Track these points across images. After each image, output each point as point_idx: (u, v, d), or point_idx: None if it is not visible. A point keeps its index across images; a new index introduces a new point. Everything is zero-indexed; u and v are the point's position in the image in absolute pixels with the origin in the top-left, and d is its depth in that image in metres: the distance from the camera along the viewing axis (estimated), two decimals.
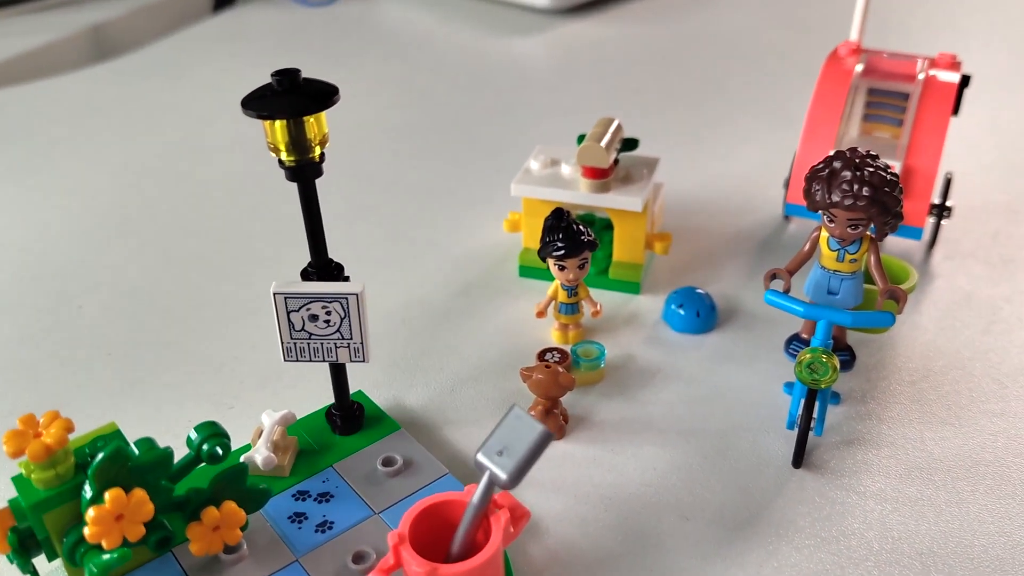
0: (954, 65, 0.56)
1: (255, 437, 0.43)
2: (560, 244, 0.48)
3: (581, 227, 0.48)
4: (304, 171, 0.37)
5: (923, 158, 0.52)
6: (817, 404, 0.43)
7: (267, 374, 0.49)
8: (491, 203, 0.65)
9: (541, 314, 0.51)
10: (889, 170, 0.40)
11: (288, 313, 0.39)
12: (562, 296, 0.50)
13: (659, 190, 0.58)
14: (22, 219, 0.65)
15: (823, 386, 0.41)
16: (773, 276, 0.44)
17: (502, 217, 0.62)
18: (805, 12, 1.01)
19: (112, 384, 0.49)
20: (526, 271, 0.56)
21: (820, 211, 0.41)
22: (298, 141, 0.36)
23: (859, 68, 0.56)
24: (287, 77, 0.35)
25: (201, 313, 0.55)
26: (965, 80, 0.56)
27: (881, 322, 0.40)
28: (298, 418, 0.45)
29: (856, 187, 0.39)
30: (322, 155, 0.37)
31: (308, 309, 0.39)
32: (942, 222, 0.57)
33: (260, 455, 0.41)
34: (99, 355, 0.52)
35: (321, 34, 0.97)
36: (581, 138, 0.54)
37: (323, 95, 0.36)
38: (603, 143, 0.51)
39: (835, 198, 0.40)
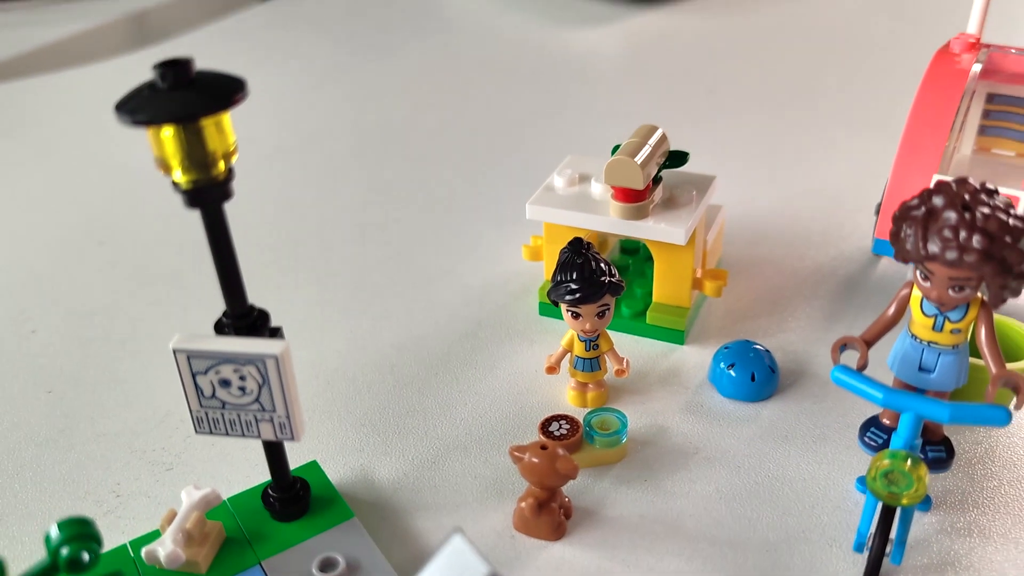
0: None
1: (165, 523, 0.34)
2: (574, 286, 0.38)
3: (603, 264, 0.38)
4: (205, 194, 0.28)
5: None
6: (896, 523, 0.32)
7: None
8: (520, 223, 0.55)
9: (552, 370, 0.41)
10: (1013, 210, 0.29)
11: (194, 376, 0.30)
12: (579, 349, 0.40)
13: (716, 215, 0.47)
14: (3, 223, 0.58)
15: (904, 503, 0.30)
16: (844, 347, 0.33)
17: (524, 240, 0.52)
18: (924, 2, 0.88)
19: (41, 431, 0.42)
20: (547, 309, 0.47)
21: (913, 264, 0.30)
22: (195, 154, 0.27)
23: (976, 68, 0.44)
24: (174, 70, 0.26)
25: (159, 345, 0.47)
26: None
27: (991, 420, 0.29)
28: (234, 493, 0.36)
29: (964, 236, 0.28)
30: (229, 171, 0.28)
31: (218, 372, 0.30)
32: None
33: (164, 549, 0.32)
34: (38, 392, 0.44)
35: (374, 21, 0.89)
36: (616, 148, 0.44)
37: (223, 91, 0.27)
38: (638, 158, 0.40)
39: (933, 249, 0.28)
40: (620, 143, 0.43)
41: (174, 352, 0.30)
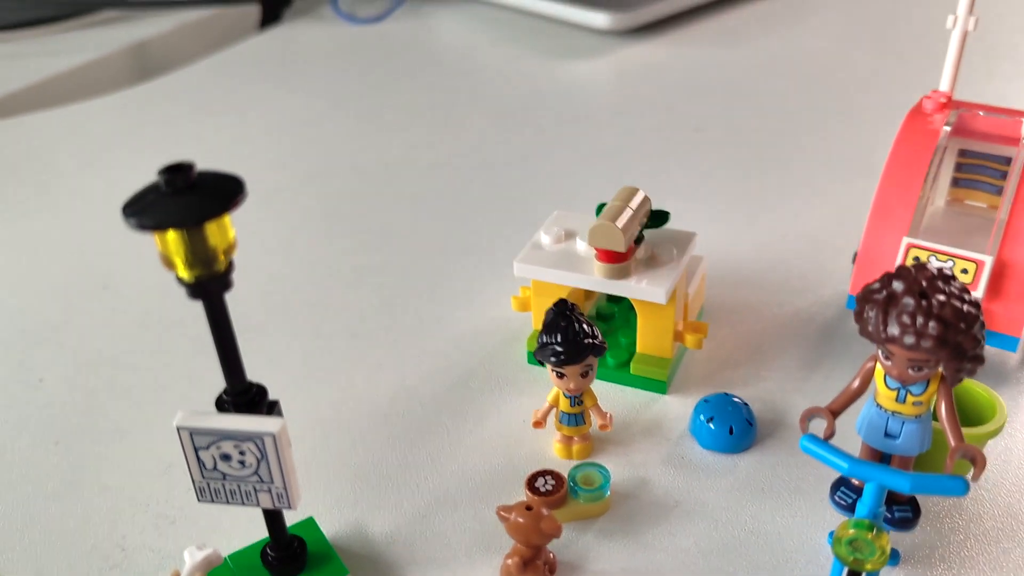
0: None
1: None
2: (559, 348, 0.40)
3: (586, 326, 0.40)
4: (207, 287, 0.30)
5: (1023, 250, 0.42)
6: None
7: None
8: (510, 268, 0.56)
9: (539, 424, 0.43)
10: (967, 297, 0.30)
11: (196, 451, 0.32)
12: (564, 405, 0.42)
13: (697, 266, 0.49)
14: (9, 265, 0.60)
15: (868, 568, 0.32)
16: (812, 416, 0.35)
17: (515, 289, 0.54)
18: (900, 36, 0.90)
19: (49, 483, 0.43)
20: (535, 358, 0.48)
21: (874, 343, 0.32)
22: (198, 253, 0.29)
23: (947, 129, 0.46)
24: (177, 176, 0.28)
25: (163, 395, 0.48)
26: None
27: (950, 490, 0.31)
28: (235, 548, 0.38)
29: (921, 321, 0.30)
30: (229, 264, 0.30)
31: (219, 447, 0.32)
32: None
33: None
34: (46, 443, 0.46)
35: (368, 53, 0.90)
36: (601, 207, 0.46)
37: (224, 195, 0.28)
38: (620, 222, 0.42)
39: (893, 333, 0.30)
40: (605, 202, 0.45)
41: (178, 429, 0.32)
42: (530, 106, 0.78)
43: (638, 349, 0.46)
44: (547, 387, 0.44)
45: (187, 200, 0.28)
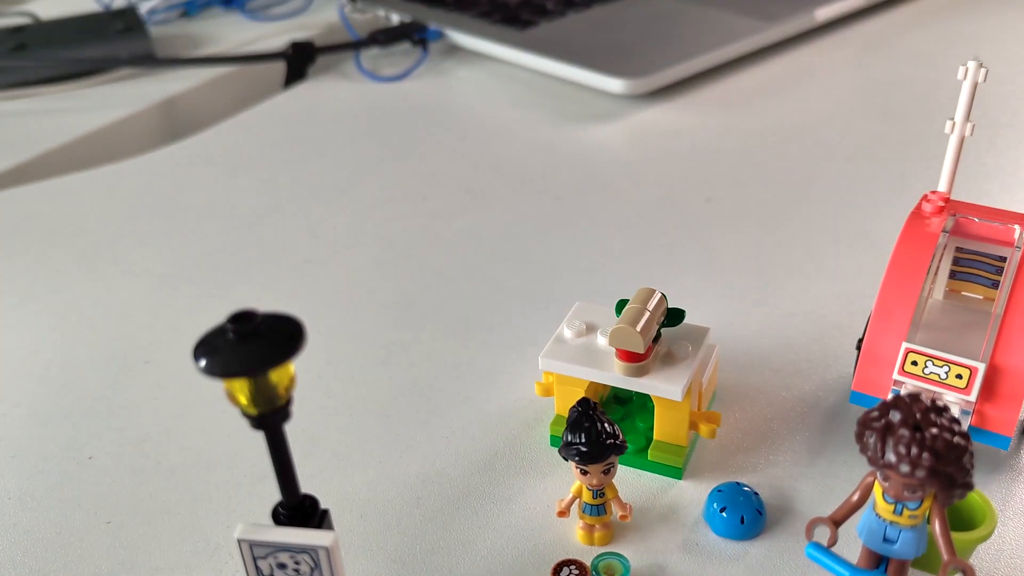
0: None
1: None
2: (583, 448, 0.43)
3: (608, 426, 0.43)
4: (268, 419, 0.33)
5: (1015, 355, 0.45)
6: None
7: None
8: (532, 347, 0.60)
9: (563, 514, 0.46)
10: (958, 428, 0.33)
11: (255, 560, 0.35)
12: (586, 496, 0.45)
13: (711, 355, 0.52)
14: (50, 340, 0.63)
15: None
16: (816, 525, 0.38)
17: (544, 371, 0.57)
18: (909, 100, 0.93)
19: (103, 565, 0.46)
20: (557, 441, 0.51)
21: (873, 467, 0.35)
22: (262, 393, 0.32)
23: (946, 231, 0.49)
24: (245, 323, 0.31)
25: (207, 474, 0.52)
26: None
27: None
28: None
29: (915, 452, 0.33)
30: (289, 399, 0.33)
31: (276, 558, 0.35)
32: None
33: None
34: (97, 523, 0.49)
35: (391, 111, 0.94)
36: (621, 304, 0.49)
37: (286, 341, 0.31)
38: (639, 326, 0.45)
39: (889, 459, 0.33)
40: (625, 299, 0.48)
41: (239, 541, 0.35)
42: (548, 171, 0.81)
43: (655, 437, 0.49)
44: (569, 471, 0.47)
45: (252, 347, 0.31)
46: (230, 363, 0.30)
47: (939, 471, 0.33)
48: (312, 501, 0.36)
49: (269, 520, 0.38)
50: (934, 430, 0.33)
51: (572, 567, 0.43)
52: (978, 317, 0.50)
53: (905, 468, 0.33)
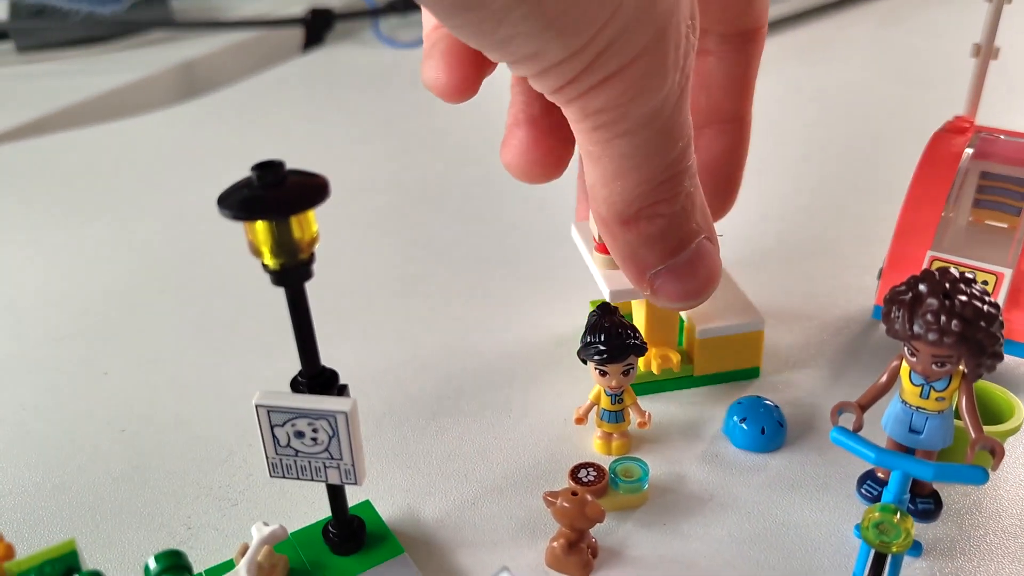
0: None
1: (238, 555, 0.38)
2: (602, 347, 0.42)
3: (628, 328, 0.43)
4: (291, 275, 0.33)
5: None
6: (888, 568, 0.36)
7: None
8: (550, 279, 0.59)
9: (580, 420, 0.45)
10: (988, 298, 0.33)
11: (272, 427, 0.35)
12: (605, 402, 0.44)
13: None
14: (67, 271, 0.63)
15: (894, 551, 0.34)
16: (842, 410, 0.37)
17: (561, 295, 0.57)
18: (925, 66, 0.93)
19: (116, 467, 0.46)
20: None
21: (900, 341, 0.34)
22: (284, 243, 0.32)
23: (969, 151, 0.49)
24: (270, 171, 0.31)
25: (221, 390, 0.51)
26: None
27: (970, 479, 0.33)
28: (297, 528, 0.41)
29: (944, 320, 0.32)
30: (311, 255, 0.33)
31: (293, 425, 0.34)
32: None
33: None
34: (112, 431, 0.49)
35: (408, 76, 0.94)
36: None
37: (310, 192, 0.31)
38: None
39: (917, 330, 0.33)
40: None
41: (256, 407, 0.34)
42: None
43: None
44: (585, 388, 0.46)
45: (277, 194, 0.31)
46: (254, 206, 0.30)
47: (968, 337, 0.32)
48: (332, 372, 0.36)
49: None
50: (963, 298, 0.32)
51: (590, 469, 0.43)
52: (1002, 239, 0.50)
53: (934, 336, 0.32)
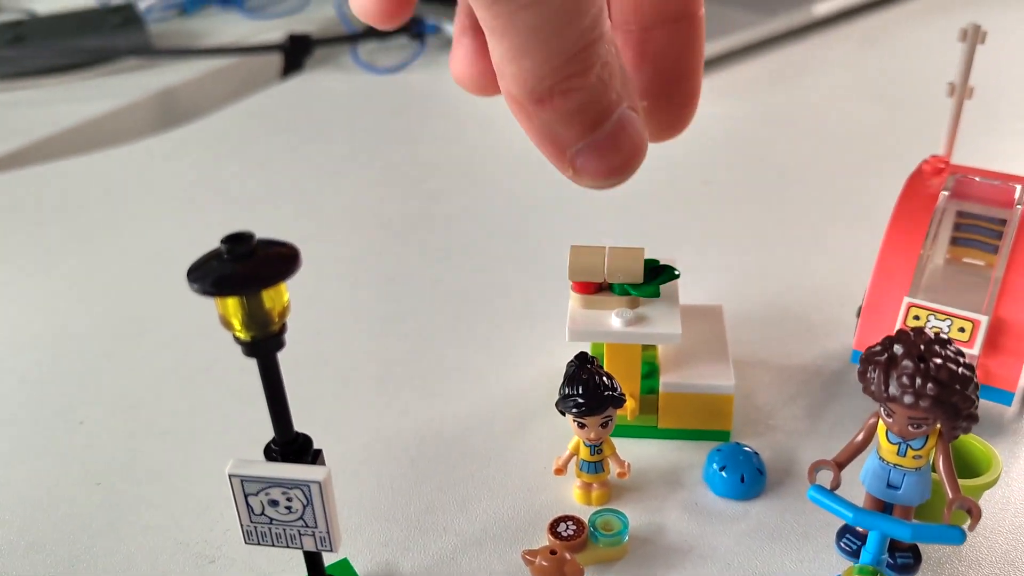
0: None
1: None
2: (580, 400, 0.42)
3: (606, 379, 0.43)
4: (262, 347, 0.32)
5: (1017, 309, 0.44)
6: None
7: None
8: (530, 318, 0.59)
9: (560, 471, 0.45)
10: (962, 359, 0.33)
11: (246, 496, 0.34)
12: (584, 453, 0.44)
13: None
14: (43, 315, 0.63)
15: None
16: (819, 468, 0.37)
17: (544, 336, 0.57)
18: (902, 90, 0.93)
19: (93, 522, 0.46)
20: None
21: (876, 402, 0.34)
22: (255, 316, 0.31)
23: (945, 193, 0.49)
24: (239, 244, 0.30)
25: (199, 438, 0.51)
26: None
27: (947, 539, 0.34)
28: None
29: (919, 383, 0.32)
30: (283, 326, 0.32)
31: (267, 493, 0.34)
32: None
33: None
34: (87, 484, 0.48)
35: (387, 102, 0.94)
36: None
37: (282, 262, 0.31)
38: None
39: (893, 392, 0.33)
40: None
41: (230, 476, 0.34)
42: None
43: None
44: (566, 433, 0.46)
45: (246, 268, 0.30)
46: (224, 282, 0.30)
47: (944, 400, 0.32)
48: (305, 439, 0.36)
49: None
50: (938, 360, 0.32)
51: (569, 523, 0.43)
52: (979, 279, 0.50)
53: (909, 399, 0.32)
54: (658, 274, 0.47)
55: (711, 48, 0.95)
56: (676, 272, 0.48)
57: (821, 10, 1.03)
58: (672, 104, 0.35)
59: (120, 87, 0.97)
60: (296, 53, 1.00)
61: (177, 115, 0.98)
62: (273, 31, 1.09)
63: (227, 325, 0.31)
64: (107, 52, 1.00)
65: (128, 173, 0.82)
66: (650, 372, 0.50)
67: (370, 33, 1.01)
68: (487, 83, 0.33)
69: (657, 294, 0.47)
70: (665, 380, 0.47)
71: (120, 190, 0.79)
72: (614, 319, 0.46)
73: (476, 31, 0.32)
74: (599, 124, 0.28)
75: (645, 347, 0.50)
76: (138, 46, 1.01)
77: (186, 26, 1.15)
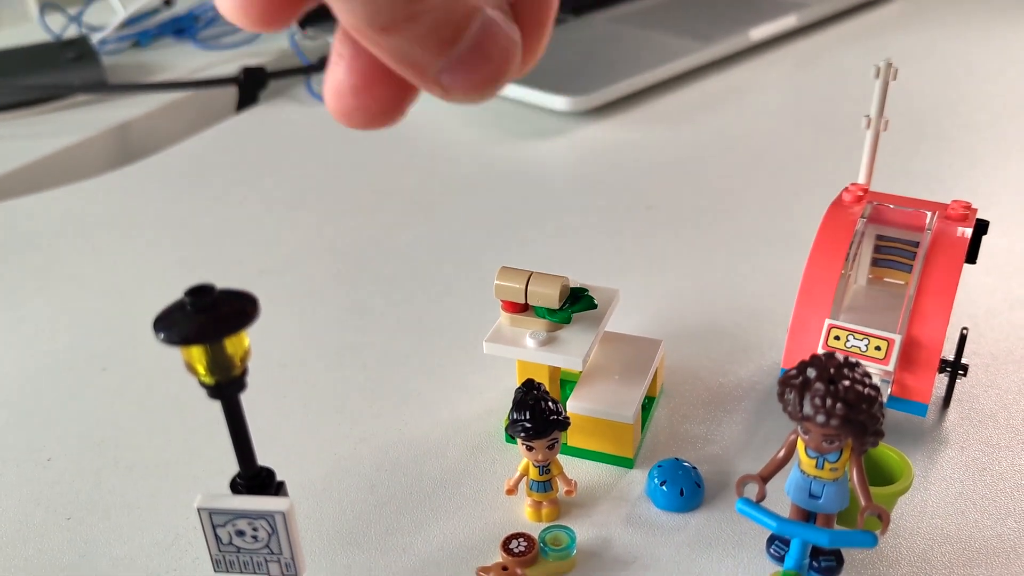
0: (966, 216, 0.52)
1: None
2: (528, 424, 0.45)
3: (551, 404, 0.45)
4: (225, 389, 0.35)
5: (928, 327, 0.48)
6: None
7: None
8: (479, 345, 0.62)
9: (511, 492, 0.48)
10: (869, 381, 0.36)
11: (215, 528, 0.37)
12: (533, 473, 0.47)
13: (657, 351, 0.54)
14: (6, 352, 0.64)
15: None
16: (746, 482, 0.40)
17: (491, 361, 0.59)
18: (838, 114, 0.97)
19: (64, 557, 0.48)
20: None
21: (793, 421, 0.37)
22: (218, 362, 0.34)
23: (863, 221, 0.53)
24: (202, 296, 0.33)
25: (165, 472, 0.53)
26: (983, 227, 0.52)
27: (861, 544, 0.37)
28: None
29: (829, 403, 0.35)
30: (244, 369, 0.35)
31: (234, 524, 0.37)
32: (957, 380, 0.53)
33: None
34: (58, 519, 0.50)
35: (342, 132, 0.96)
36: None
37: (240, 312, 0.33)
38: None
39: (807, 412, 0.36)
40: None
41: (198, 511, 0.36)
42: (496, 185, 0.84)
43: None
44: (517, 455, 0.49)
45: (209, 319, 0.33)
46: (188, 331, 0.32)
47: (851, 419, 0.35)
48: (268, 472, 0.38)
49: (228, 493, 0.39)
50: (846, 382, 0.36)
51: (520, 540, 0.45)
52: (897, 299, 0.54)
53: (821, 418, 0.36)
54: (576, 301, 0.51)
55: (653, 75, 0.98)
56: (594, 303, 0.51)
57: (757, 35, 1.07)
58: (528, 32, 0.28)
59: (75, 123, 0.99)
60: (251, 86, 1.02)
61: (134, 150, 0.99)
62: (227, 63, 1.12)
63: (192, 371, 0.34)
64: (62, 89, 1.01)
65: (86, 209, 0.84)
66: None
67: (324, 64, 1.04)
68: (363, 114, 0.28)
69: (568, 320, 0.51)
70: (572, 401, 0.50)
71: (79, 226, 0.81)
72: (528, 339, 0.49)
73: (355, 55, 0.27)
74: (457, 38, 0.25)
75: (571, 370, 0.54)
76: (93, 82, 1.02)
77: (140, 58, 1.17)
